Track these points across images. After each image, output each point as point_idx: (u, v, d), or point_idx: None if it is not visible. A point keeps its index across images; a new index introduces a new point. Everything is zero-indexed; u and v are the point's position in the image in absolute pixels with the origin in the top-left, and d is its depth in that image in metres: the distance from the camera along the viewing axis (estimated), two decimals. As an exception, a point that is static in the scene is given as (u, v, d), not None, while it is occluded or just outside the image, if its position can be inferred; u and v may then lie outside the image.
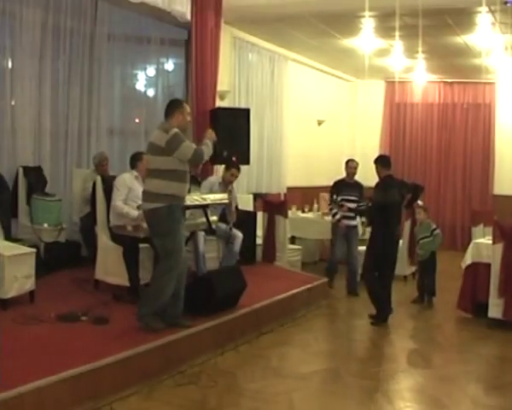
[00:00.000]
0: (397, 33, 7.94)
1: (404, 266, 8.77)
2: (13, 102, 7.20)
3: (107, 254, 6.22)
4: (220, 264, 6.93)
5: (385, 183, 6.62)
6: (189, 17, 8.02)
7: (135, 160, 6.32)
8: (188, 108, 5.21)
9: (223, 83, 8.84)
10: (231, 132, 8.15)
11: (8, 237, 6.35)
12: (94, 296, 5.91)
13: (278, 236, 8.24)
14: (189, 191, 5.57)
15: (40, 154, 7.45)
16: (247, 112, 8.68)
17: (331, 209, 8.06)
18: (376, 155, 7.46)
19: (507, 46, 8.90)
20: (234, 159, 7.70)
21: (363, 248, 7.35)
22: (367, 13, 7.53)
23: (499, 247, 6.33)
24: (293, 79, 10.92)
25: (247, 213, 7.98)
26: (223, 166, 7.52)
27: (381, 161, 6.78)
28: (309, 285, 7.17)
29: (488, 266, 6.49)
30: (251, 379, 4.86)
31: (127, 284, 5.96)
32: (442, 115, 12.96)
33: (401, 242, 8.71)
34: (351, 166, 8.14)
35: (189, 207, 5.45)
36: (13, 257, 5.41)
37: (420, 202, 8.45)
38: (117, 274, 6.05)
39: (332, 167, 11.92)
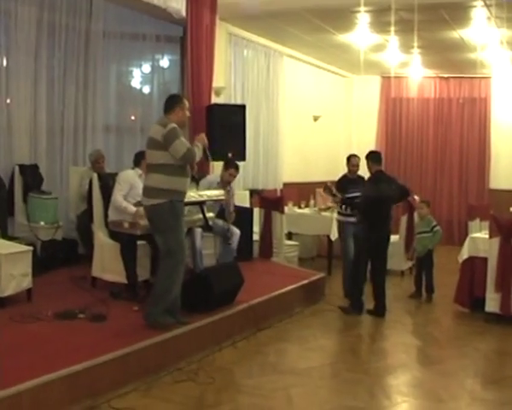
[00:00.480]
0: (392, 28, 7.95)
1: (400, 261, 8.79)
2: (8, 100, 7.17)
3: (104, 251, 6.22)
4: (217, 260, 6.94)
5: (376, 177, 6.79)
6: (184, 14, 8.02)
7: (139, 158, 6.18)
8: (187, 104, 5.21)
9: (218, 79, 8.83)
10: (227, 129, 8.16)
11: (5, 236, 6.35)
12: (91, 294, 5.90)
13: (275, 232, 8.23)
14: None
15: (36, 152, 7.42)
16: (242, 108, 8.71)
17: (341, 206, 7.36)
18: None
19: (502, 40, 8.91)
20: (230, 155, 7.68)
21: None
22: (362, 8, 7.55)
23: (496, 241, 6.34)
24: (288, 74, 10.91)
25: (243, 209, 7.97)
26: (220, 164, 7.47)
27: (372, 157, 6.92)
28: (306, 281, 7.17)
29: (485, 260, 6.50)
30: (249, 375, 4.87)
31: (124, 281, 5.95)
32: (438, 110, 12.96)
33: (398, 237, 8.73)
34: (353, 162, 7.62)
35: (185, 204, 5.43)
36: (9, 255, 5.41)
37: (416, 197, 8.46)
38: (114, 271, 6.05)
39: (328, 163, 11.97)
